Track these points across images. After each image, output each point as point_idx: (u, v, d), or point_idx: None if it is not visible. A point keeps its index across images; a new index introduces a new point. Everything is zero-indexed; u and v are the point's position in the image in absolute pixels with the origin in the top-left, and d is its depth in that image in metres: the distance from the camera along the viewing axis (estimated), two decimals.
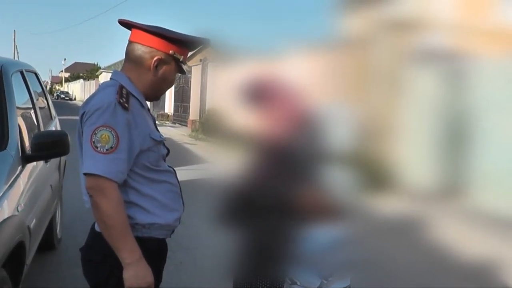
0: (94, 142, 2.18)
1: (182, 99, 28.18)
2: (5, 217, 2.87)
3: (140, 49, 2.38)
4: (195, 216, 6.58)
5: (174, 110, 30.53)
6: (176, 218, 2.44)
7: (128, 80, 2.38)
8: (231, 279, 2.48)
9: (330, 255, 2.23)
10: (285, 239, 2.25)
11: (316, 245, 2.22)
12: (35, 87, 4.90)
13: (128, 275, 2.19)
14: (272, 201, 2.25)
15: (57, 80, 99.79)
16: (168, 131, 23.71)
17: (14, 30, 55.99)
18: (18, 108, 3.80)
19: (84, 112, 2.28)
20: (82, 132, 2.26)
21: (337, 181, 2.30)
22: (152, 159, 2.35)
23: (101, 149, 2.17)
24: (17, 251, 3.03)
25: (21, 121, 3.74)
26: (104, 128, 2.19)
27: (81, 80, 75.19)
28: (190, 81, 26.12)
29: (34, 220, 3.50)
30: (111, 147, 2.18)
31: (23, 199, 3.28)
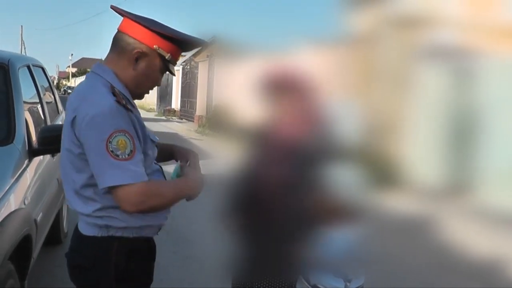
0: (112, 151, 2.03)
1: (188, 94, 28.19)
2: (12, 210, 2.89)
3: (124, 40, 2.21)
4: (201, 211, 6.60)
5: (180, 105, 30.54)
6: (165, 216, 2.35)
7: (115, 76, 2.23)
8: (232, 277, 2.46)
9: (349, 257, 2.22)
10: (299, 241, 2.22)
11: (335, 248, 2.20)
12: (42, 82, 4.91)
13: (196, 195, 2.26)
14: (285, 201, 2.22)
15: (64, 75, 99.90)
16: (175, 126, 23.74)
17: (21, 26, 56.10)
18: (25, 102, 3.81)
19: (75, 117, 2.10)
20: (77, 138, 2.09)
21: (348, 180, 2.25)
22: (147, 163, 2.20)
23: (122, 156, 2.04)
24: (24, 244, 3.03)
25: (28, 116, 3.75)
26: (118, 134, 2.05)
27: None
28: (197, 77, 26.12)
29: (40, 214, 3.51)
30: (131, 151, 2.06)
31: (29, 193, 3.29)
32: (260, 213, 2.30)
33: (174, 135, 19.96)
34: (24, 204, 3.13)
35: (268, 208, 2.27)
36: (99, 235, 2.19)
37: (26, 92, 3.96)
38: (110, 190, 2.06)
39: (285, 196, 2.23)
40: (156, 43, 2.20)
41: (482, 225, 6.84)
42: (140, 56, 2.19)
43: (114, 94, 2.10)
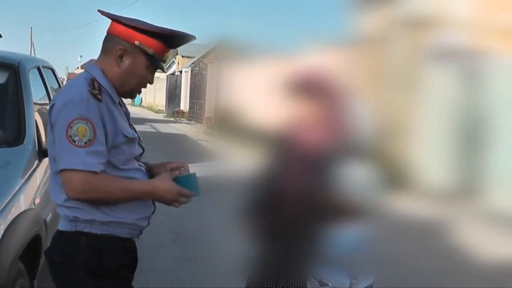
0: (71, 136, 2.10)
1: (197, 96, 28.23)
2: (22, 210, 2.92)
3: (110, 40, 2.28)
4: (211, 212, 6.61)
5: (189, 107, 30.60)
6: (141, 217, 2.30)
7: (101, 72, 2.27)
8: (245, 277, 2.46)
9: (356, 255, 2.23)
10: (311, 239, 2.23)
11: (343, 245, 2.21)
12: (52, 83, 4.93)
13: (160, 200, 2.24)
14: (304, 206, 2.22)
15: (73, 77, 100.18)
16: (183, 127, 23.77)
17: (31, 27, 56.28)
18: (35, 103, 3.83)
19: (53, 105, 2.19)
20: (52, 126, 2.19)
21: (361, 179, 2.25)
22: (121, 158, 2.24)
23: (79, 143, 2.09)
24: (34, 244, 3.06)
25: (37, 117, 3.77)
26: (80, 121, 2.10)
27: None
28: (206, 78, 26.15)
29: (50, 214, 3.53)
30: (89, 140, 2.10)
31: (39, 193, 3.32)
32: (278, 216, 2.30)
33: (183, 137, 20.01)
34: (34, 204, 3.16)
35: (287, 211, 2.27)
36: (69, 229, 2.22)
37: (36, 93, 3.99)
38: (61, 172, 2.13)
39: (304, 201, 2.23)
40: (137, 39, 2.23)
41: (490, 227, 6.81)
42: (123, 53, 2.24)
43: (92, 85, 2.16)
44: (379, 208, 2.30)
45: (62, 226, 2.25)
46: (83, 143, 2.08)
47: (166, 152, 11.96)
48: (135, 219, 2.28)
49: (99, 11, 2.35)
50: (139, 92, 2.42)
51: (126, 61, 2.25)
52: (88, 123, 2.10)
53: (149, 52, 2.25)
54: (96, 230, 2.21)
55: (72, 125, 2.09)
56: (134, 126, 2.43)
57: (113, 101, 2.25)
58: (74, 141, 2.09)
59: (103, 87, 2.21)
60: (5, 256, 2.60)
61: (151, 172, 2.42)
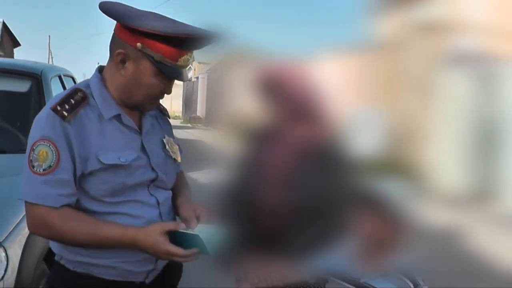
0: (31, 161, 1.81)
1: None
2: None
3: (112, 39, 1.92)
4: None
5: (206, 112, 30.74)
6: (125, 261, 1.89)
7: (99, 80, 1.94)
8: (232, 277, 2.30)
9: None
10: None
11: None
12: None
13: (148, 253, 1.85)
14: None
15: None
16: (200, 133, 23.89)
17: (49, 35, 57.07)
18: None
19: None
20: None
21: (389, 193, 2.03)
22: (103, 189, 1.86)
23: (38, 169, 1.80)
24: None
25: None
26: (42, 142, 1.81)
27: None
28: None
29: None
30: (49, 166, 1.80)
31: None
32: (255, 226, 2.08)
33: (199, 143, 20.12)
34: None
35: (264, 223, 2.05)
36: (56, 255, 2.01)
37: None
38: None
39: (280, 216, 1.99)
40: (139, 41, 1.85)
41: (507, 232, 6.79)
42: (124, 58, 1.89)
43: (66, 99, 1.88)
44: (410, 217, 2.12)
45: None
46: (41, 170, 1.80)
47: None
48: (115, 262, 1.92)
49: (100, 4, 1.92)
50: (154, 104, 1.99)
51: (130, 68, 1.89)
52: (51, 146, 1.81)
53: (155, 58, 1.85)
54: (69, 265, 1.96)
55: (34, 148, 1.83)
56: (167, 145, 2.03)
57: (100, 117, 1.89)
58: (33, 166, 1.82)
59: (92, 99, 1.89)
60: (31, 257, 2.70)
61: (176, 210, 2.06)
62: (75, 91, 1.91)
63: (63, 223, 1.81)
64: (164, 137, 2.09)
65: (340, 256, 2.03)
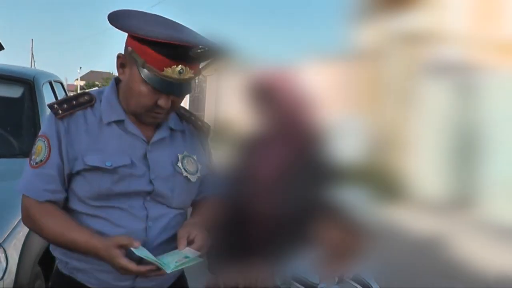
0: (32, 154, 1.82)
1: (197, 108, 28.38)
2: None
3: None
4: None
5: None
6: (100, 269, 1.79)
7: (113, 86, 1.86)
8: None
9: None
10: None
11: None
12: (61, 96, 5.13)
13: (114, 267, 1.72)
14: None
15: (72, 88, 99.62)
16: None
17: (32, 39, 56.55)
18: None
19: None
20: None
21: (353, 200, 1.96)
22: (87, 190, 1.78)
23: (33, 162, 1.79)
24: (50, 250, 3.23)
25: None
26: (41, 138, 1.80)
27: (97, 89, 75.41)
28: (205, 91, 26.31)
29: None
30: (41, 160, 1.76)
31: None
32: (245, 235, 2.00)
33: None
34: None
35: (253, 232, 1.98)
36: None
37: None
38: None
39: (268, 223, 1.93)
40: (131, 45, 1.72)
41: (487, 238, 6.93)
42: (123, 62, 1.78)
43: (69, 98, 1.85)
44: (376, 223, 1.97)
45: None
46: (34, 163, 1.79)
47: None
48: (91, 269, 1.82)
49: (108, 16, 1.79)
50: (152, 117, 1.81)
51: (126, 73, 1.77)
52: (45, 141, 1.78)
53: (139, 63, 1.69)
54: (62, 268, 1.91)
55: (36, 142, 1.83)
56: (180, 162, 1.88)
57: (101, 121, 1.81)
58: (31, 159, 1.81)
59: (98, 103, 1.83)
60: (27, 260, 2.78)
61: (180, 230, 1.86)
62: (82, 94, 1.86)
63: (40, 217, 1.77)
64: (183, 153, 1.93)
65: (304, 262, 1.96)
